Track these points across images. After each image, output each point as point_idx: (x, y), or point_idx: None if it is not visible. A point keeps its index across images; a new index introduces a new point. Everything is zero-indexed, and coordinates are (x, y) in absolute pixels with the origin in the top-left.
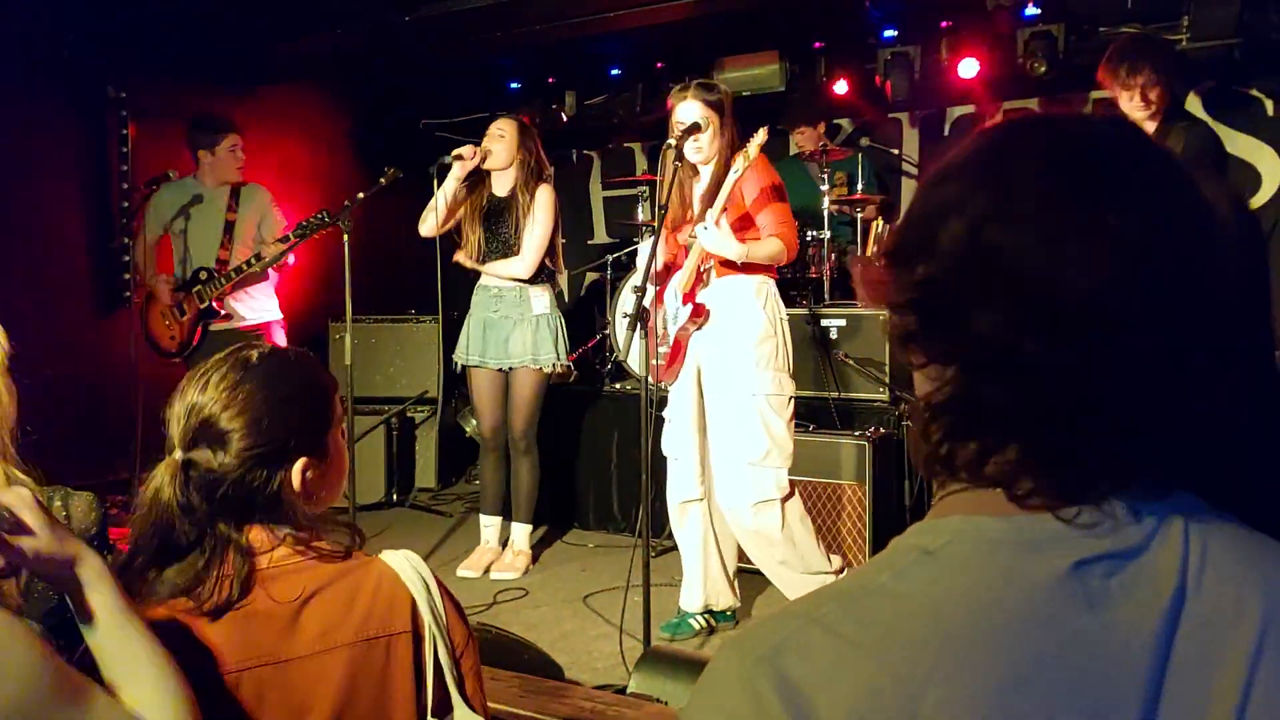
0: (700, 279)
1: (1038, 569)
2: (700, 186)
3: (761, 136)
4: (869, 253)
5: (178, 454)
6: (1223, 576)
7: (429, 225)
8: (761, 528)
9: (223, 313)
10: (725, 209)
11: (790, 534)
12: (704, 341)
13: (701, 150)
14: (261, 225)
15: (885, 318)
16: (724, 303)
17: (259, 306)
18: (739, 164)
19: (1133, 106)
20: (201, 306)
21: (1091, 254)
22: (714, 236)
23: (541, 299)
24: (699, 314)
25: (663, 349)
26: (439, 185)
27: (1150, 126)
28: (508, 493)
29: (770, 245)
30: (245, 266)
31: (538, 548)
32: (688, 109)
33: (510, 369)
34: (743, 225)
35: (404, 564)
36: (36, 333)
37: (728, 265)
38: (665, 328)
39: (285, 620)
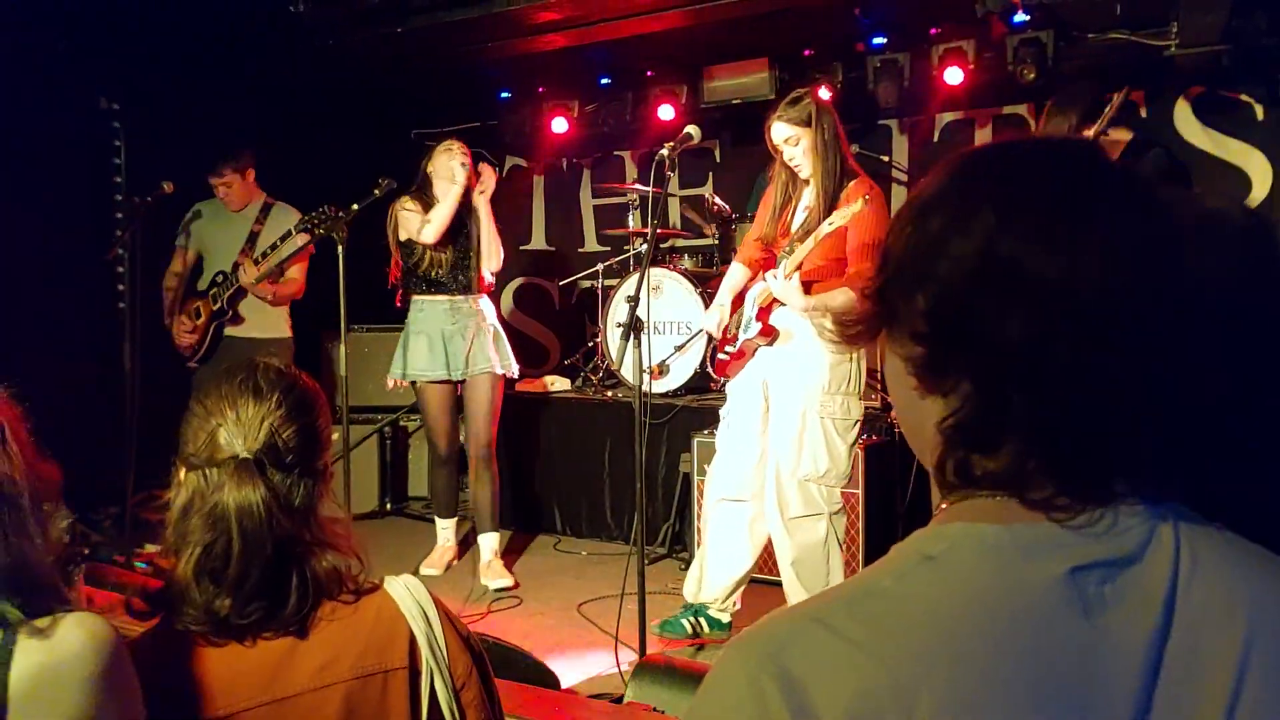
0: (777, 301)
1: (1035, 575)
2: (806, 199)
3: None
4: None
5: (243, 453)
6: (1210, 583)
7: (435, 232)
8: (804, 540)
9: (237, 316)
10: (800, 265)
11: (828, 553)
12: (776, 356)
13: (799, 165)
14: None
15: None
16: (802, 323)
17: (271, 323)
18: (837, 218)
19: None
20: (214, 308)
21: (1103, 257)
22: (780, 290)
23: (491, 309)
24: (768, 334)
25: (729, 348)
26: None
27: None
28: (457, 496)
29: (841, 297)
30: (259, 259)
31: (530, 556)
32: (776, 130)
33: (467, 379)
34: (837, 269)
35: (405, 594)
36: (31, 344)
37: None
38: (735, 330)
39: (283, 653)
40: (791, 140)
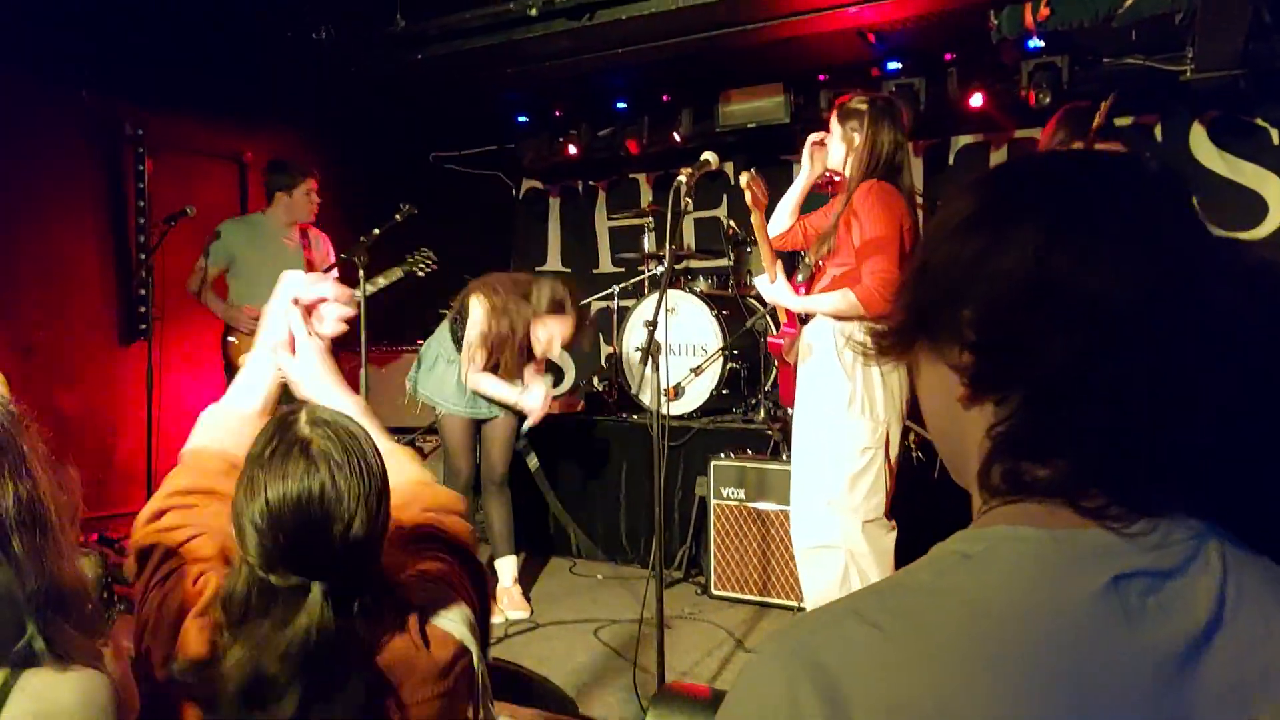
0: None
1: (1077, 580)
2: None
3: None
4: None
5: (317, 588)
6: (1257, 612)
7: (473, 384)
8: (818, 575)
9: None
10: (775, 257)
11: (848, 589)
12: (799, 377)
13: (828, 156)
14: (320, 266)
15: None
16: (809, 339)
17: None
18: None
19: None
20: None
21: (1152, 271)
22: (768, 292)
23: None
24: (792, 325)
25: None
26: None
27: None
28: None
29: (835, 300)
30: (357, 293)
31: (547, 579)
32: (832, 121)
33: (490, 418)
34: (849, 269)
35: (462, 627)
36: (56, 364)
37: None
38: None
39: None
40: (831, 129)
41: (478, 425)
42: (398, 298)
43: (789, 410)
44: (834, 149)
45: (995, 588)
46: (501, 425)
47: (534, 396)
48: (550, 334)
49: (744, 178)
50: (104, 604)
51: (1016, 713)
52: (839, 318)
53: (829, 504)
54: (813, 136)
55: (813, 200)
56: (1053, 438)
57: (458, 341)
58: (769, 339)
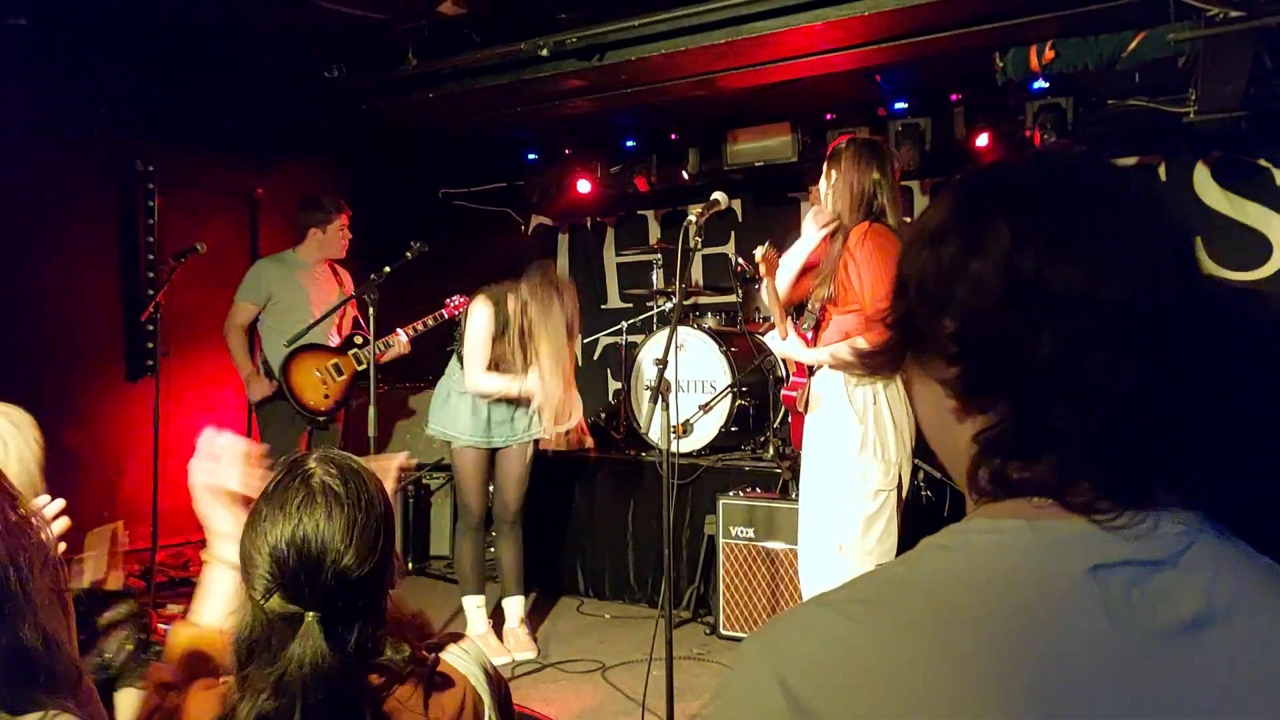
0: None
1: (1055, 566)
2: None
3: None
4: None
5: (311, 616)
6: (1256, 610)
7: (473, 389)
8: None
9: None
10: (819, 318)
11: None
12: (809, 420)
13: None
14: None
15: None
16: (819, 388)
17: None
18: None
19: None
20: (359, 369)
21: (1125, 264)
22: (779, 348)
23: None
24: (792, 388)
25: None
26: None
27: None
28: (484, 566)
29: (844, 350)
30: (421, 327)
31: (554, 618)
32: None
33: (504, 446)
34: (854, 314)
35: (473, 667)
36: (63, 399)
37: None
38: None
39: None
40: (823, 176)
41: (491, 460)
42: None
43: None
44: (824, 191)
45: (967, 571)
46: (515, 460)
47: (533, 380)
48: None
49: (759, 252)
50: (140, 647)
51: (981, 689)
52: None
53: (841, 548)
54: (814, 206)
55: None
56: (1038, 436)
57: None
58: (783, 392)
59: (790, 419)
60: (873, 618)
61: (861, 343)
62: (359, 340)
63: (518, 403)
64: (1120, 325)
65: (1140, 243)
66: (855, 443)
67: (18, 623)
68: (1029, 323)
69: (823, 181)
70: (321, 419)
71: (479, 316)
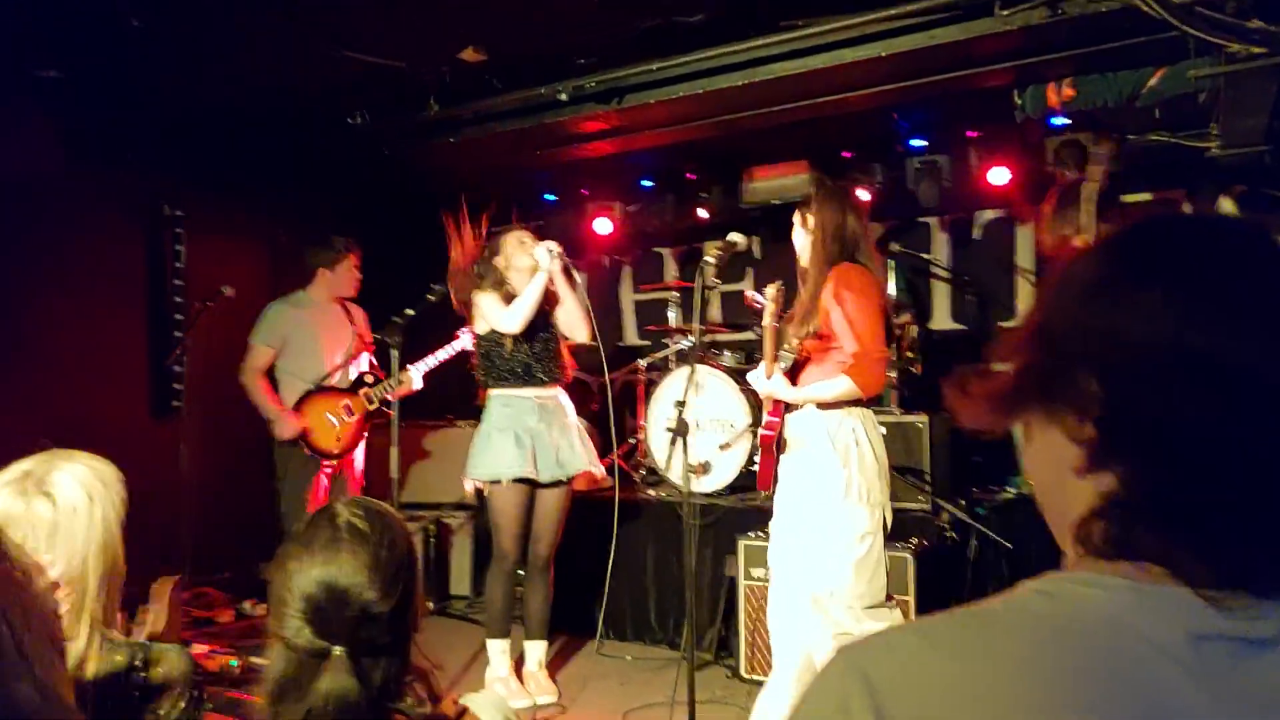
0: (780, 401)
1: (1157, 629)
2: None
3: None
4: (906, 355)
5: (339, 651)
6: None
7: (519, 321)
8: (812, 668)
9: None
10: (798, 359)
11: None
12: (785, 464)
13: (799, 249)
14: (363, 338)
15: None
16: (797, 430)
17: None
18: (825, 299)
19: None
20: (370, 408)
21: None
22: (765, 388)
23: (570, 406)
24: (771, 429)
25: (756, 456)
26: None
27: None
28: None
29: (837, 387)
30: (433, 361)
31: (574, 660)
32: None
33: (549, 483)
34: (835, 354)
35: (497, 717)
36: (89, 439)
37: None
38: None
39: None
40: (796, 221)
41: (531, 502)
42: (429, 374)
43: (764, 496)
44: (798, 238)
45: (1068, 620)
46: (554, 502)
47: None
48: (522, 243)
49: (770, 290)
50: (193, 704)
51: None
52: (837, 404)
53: (831, 594)
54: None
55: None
56: (1170, 506)
57: (491, 369)
58: (761, 431)
59: (760, 459)
60: (966, 650)
61: (849, 381)
62: (369, 380)
63: (561, 438)
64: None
65: None
66: (839, 487)
67: (12, 679)
68: (1183, 393)
69: (799, 229)
70: (333, 462)
71: (484, 302)
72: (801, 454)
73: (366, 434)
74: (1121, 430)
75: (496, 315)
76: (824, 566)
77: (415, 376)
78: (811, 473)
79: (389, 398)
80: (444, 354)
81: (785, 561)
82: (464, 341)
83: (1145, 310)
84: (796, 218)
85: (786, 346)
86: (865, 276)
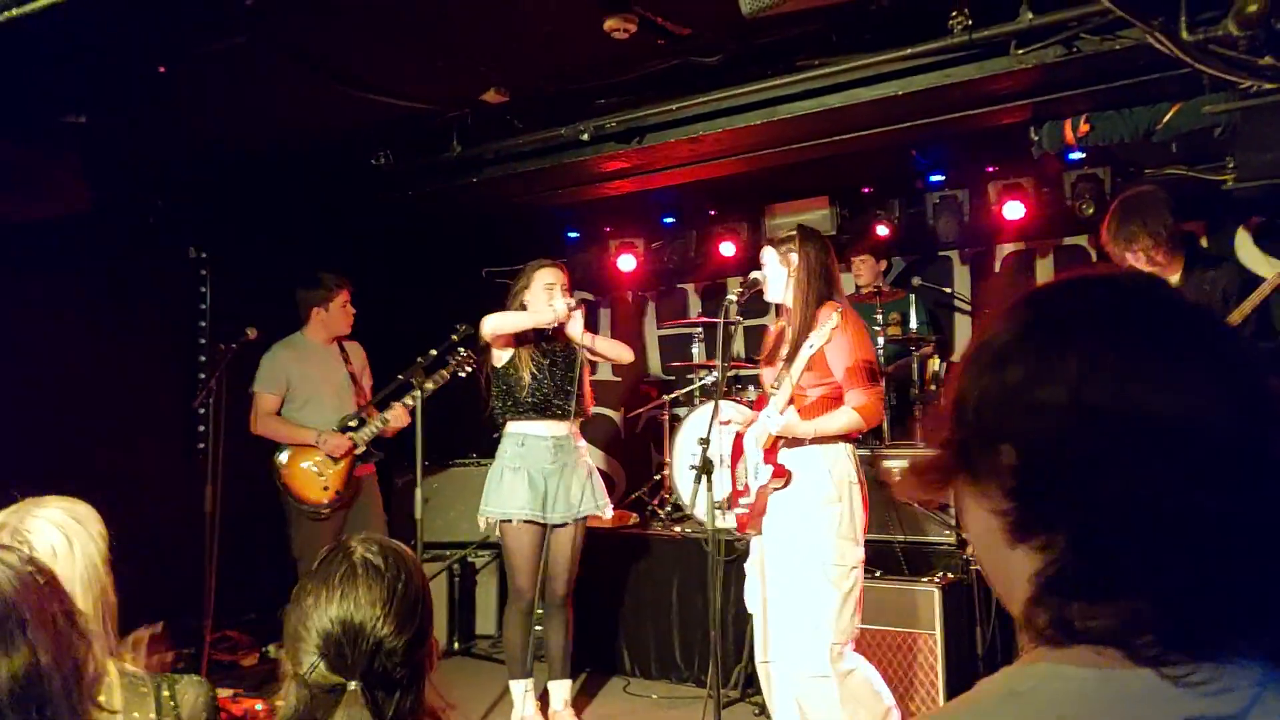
0: (780, 440)
1: None
2: (786, 332)
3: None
4: (929, 389)
5: (354, 685)
6: None
7: (493, 327)
8: (815, 703)
9: (369, 454)
10: (792, 396)
11: (851, 714)
12: (774, 498)
13: (770, 286)
14: (361, 377)
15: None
16: (799, 465)
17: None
18: (815, 339)
19: (1146, 267)
20: (358, 453)
21: (1205, 395)
22: (778, 426)
23: (584, 445)
24: (780, 475)
25: (745, 500)
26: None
27: (1173, 278)
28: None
29: (842, 419)
30: (420, 394)
31: (601, 700)
32: (763, 254)
33: (560, 524)
34: (829, 390)
35: None
36: (113, 486)
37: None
38: (747, 479)
39: None
40: (765, 262)
41: (544, 539)
42: (445, 413)
43: (748, 535)
44: (774, 275)
45: None
46: (567, 539)
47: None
48: (549, 286)
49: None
50: None
51: None
52: (834, 439)
53: (819, 626)
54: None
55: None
56: (1103, 578)
57: (508, 401)
58: (738, 432)
59: (751, 504)
60: None
61: (855, 415)
62: (353, 423)
63: (573, 479)
64: (1201, 459)
65: (1222, 373)
66: (834, 522)
67: None
68: (1097, 455)
69: (776, 267)
70: (326, 511)
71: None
72: (797, 487)
73: (369, 472)
74: (1035, 500)
75: (490, 315)
76: (817, 598)
77: (399, 411)
78: (806, 506)
79: (386, 433)
80: (432, 385)
81: (781, 590)
82: (457, 371)
83: (1048, 371)
84: (770, 254)
85: (771, 384)
86: (855, 314)
